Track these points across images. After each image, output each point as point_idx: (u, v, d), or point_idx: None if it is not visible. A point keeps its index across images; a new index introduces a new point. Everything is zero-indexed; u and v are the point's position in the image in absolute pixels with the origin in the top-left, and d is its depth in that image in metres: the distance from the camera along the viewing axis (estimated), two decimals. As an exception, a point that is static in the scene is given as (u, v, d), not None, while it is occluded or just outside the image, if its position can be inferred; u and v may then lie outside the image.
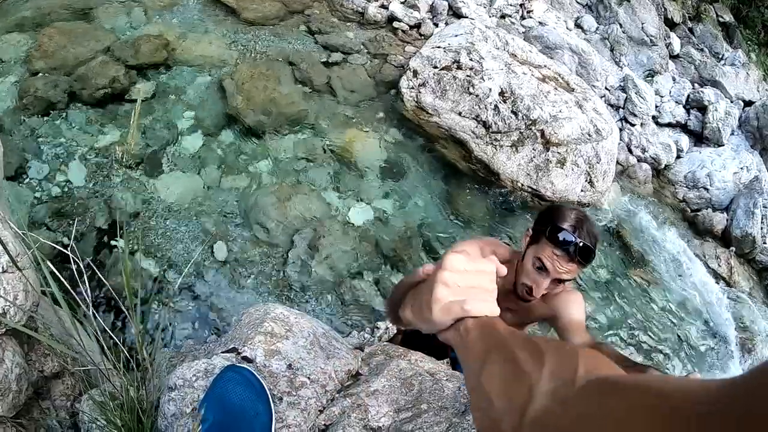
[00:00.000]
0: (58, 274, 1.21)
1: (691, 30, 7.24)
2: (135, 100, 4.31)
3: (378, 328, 3.47)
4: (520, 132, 4.50)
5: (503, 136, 4.47)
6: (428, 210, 4.32)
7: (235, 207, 3.91)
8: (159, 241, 3.59)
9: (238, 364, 1.34)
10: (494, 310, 0.69)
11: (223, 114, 4.45)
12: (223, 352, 1.46)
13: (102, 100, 4.26)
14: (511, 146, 4.48)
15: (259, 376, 1.27)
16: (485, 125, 4.47)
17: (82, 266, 1.29)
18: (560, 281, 1.69)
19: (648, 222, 5.03)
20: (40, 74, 4.24)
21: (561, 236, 1.62)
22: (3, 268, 1.38)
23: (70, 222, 3.51)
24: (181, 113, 4.38)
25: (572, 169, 4.56)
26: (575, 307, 1.81)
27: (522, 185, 4.47)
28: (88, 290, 1.29)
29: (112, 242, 3.48)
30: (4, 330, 1.41)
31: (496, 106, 4.49)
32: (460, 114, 4.50)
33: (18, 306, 1.41)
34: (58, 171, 3.79)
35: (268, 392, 1.27)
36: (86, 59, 4.48)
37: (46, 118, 4.05)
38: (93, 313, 1.23)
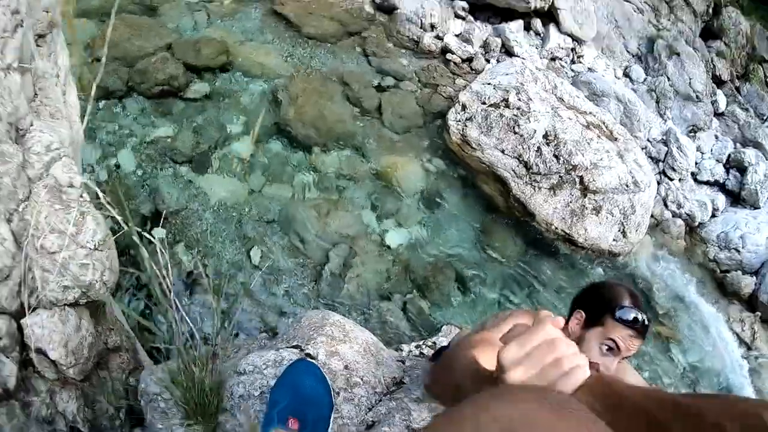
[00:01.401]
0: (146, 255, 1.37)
1: (737, 89, 7.24)
2: (190, 99, 4.50)
3: (401, 349, 3.56)
4: (560, 176, 4.57)
5: (543, 178, 4.55)
6: (462, 241, 4.41)
7: (275, 215, 4.04)
8: (199, 237, 3.73)
9: (307, 359, 1.54)
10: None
11: (273, 123, 4.60)
12: (288, 347, 1.67)
13: (158, 95, 4.44)
14: (549, 189, 4.56)
15: (324, 372, 1.44)
16: (526, 165, 4.56)
17: (161, 247, 1.43)
18: (623, 359, 1.67)
19: (676, 278, 5.05)
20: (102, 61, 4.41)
21: (630, 315, 1.59)
22: (95, 245, 1.53)
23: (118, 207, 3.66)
24: (233, 117, 4.55)
25: (607, 218, 4.61)
26: (635, 377, 1.82)
27: (556, 228, 4.53)
28: (170, 272, 1.41)
29: (153, 232, 3.62)
30: (86, 300, 1.57)
31: (539, 147, 4.57)
32: (503, 152, 4.59)
33: (104, 282, 1.57)
34: (109, 156, 3.96)
35: (331, 386, 1.44)
36: (147, 54, 4.67)
37: (101, 104, 4.22)
38: (174, 298, 1.38)
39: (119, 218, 1.41)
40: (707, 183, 6.01)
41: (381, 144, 4.73)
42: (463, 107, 4.75)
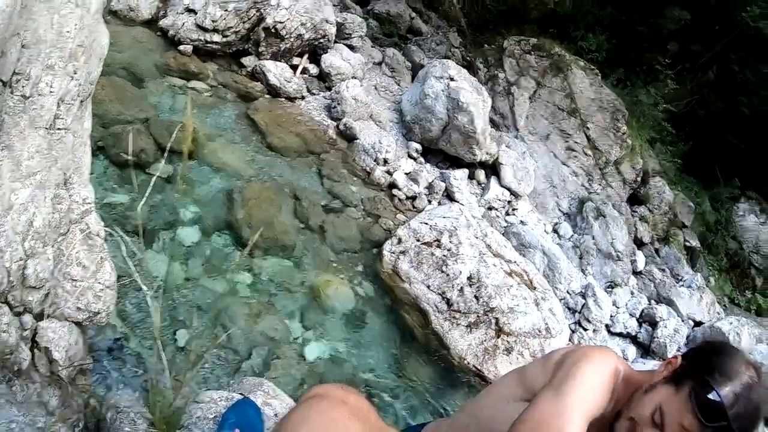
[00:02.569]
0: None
1: (657, 251, 7.97)
2: (153, 176, 4.68)
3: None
4: (478, 316, 4.98)
5: (462, 315, 4.96)
6: (378, 363, 4.68)
7: (207, 305, 4.22)
8: (130, 309, 3.86)
9: (250, 398, 2.15)
10: None
11: (223, 219, 4.85)
12: (239, 393, 2.29)
13: (125, 163, 4.58)
14: (466, 326, 4.95)
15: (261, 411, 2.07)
16: (448, 303, 4.97)
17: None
18: None
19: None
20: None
21: (709, 399, 1.19)
22: (108, 285, 2.25)
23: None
24: (187, 204, 4.76)
25: (517, 359, 4.99)
26: None
27: (468, 363, 4.87)
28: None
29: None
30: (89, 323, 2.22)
31: (462, 288, 5.01)
32: (428, 287, 5.01)
33: (108, 313, 2.25)
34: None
35: (264, 420, 2.01)
36: (125, 121, 4.93)
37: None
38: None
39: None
40: (620, 335, 6.51)
41: (318, 261, 5.06)
42: (399, 241, 5.21)
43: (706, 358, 1.28)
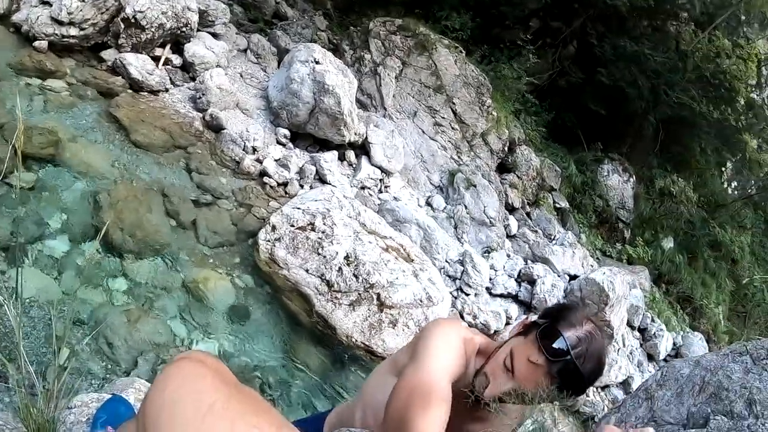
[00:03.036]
0: None
1: (528, 214, 8.44)
2: (14, 186, 4.39)
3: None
4: (359, 293, 5.06)
5: (343, 295, 5.02)
6: (269, 353, 4.66)
7: (86, 317, 4.03)
8: (5, 330, 3.63)
9: (121, 395, 2.13)
10: None
11: (91, 225, 4.63)
12: (109, 393, 2.22)
13: None
14: (349, 305, 5.02)
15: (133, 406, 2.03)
16: (328, 284, 5.01)
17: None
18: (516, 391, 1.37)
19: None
20: None
21: (554, 340, 1.33)
22: None
23: None
24: (53, 213, 4.52)
25: (403, 330, 5.12)
26: None
27: (356, 340, 4.95)
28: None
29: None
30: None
31: (340, 268, 5.06)
32: (307, 271, 5.03)
33: None
34: None
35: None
36: None
37: None
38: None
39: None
40: (501, 296, 6.83)
41: (194, 257, 4.95)
42: (273, 228, 5.17)
43: (552, 312, 1.44)
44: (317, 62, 6.65)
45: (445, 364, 1.44)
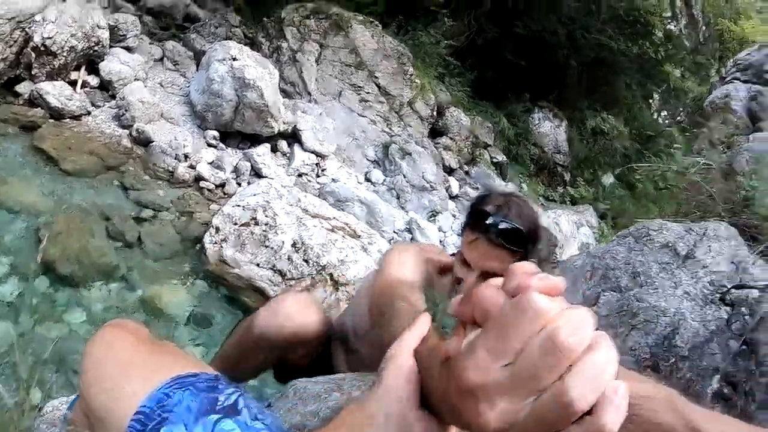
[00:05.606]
0: None
1: (467, 173, 8.68)
2: None
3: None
4: (312, 277, 5.20)
5: (297, 282, 5.15)
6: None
7: (49, 354, 4.05)
8: None
9: None
10: None
11: (38, 262, 4.63)
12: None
13: None
14: (305, 290, 5.16)
15: None
16: (281, 274, 5.13)
17: None
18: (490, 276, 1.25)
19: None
20: None
21: (477, 216, 1.44)
22: None
23: None
24: None
25: (361, 305, 5.30)
26: None
27: (317, 323, 5.11)
28: None
29: None
30: None
31: (289, 256, 5.19)
32: (258, 265, 5.13)
33: None
34: None
35: None
36: None
37: None
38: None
39: None
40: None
41: (145, 274, 4.99)
42: (217, 230, 5.25)
43: (472, 204, 1.58)
44: (234, 59, 6.68)
45: (407, 266, 1.55)
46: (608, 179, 12.53)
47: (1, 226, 4.81)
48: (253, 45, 8.04)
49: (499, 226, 1.37)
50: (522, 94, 11.71)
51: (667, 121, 15.88)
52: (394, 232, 6.67)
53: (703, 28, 17.04)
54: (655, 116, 16.12)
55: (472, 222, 1.47)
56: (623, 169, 11.97)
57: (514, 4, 11.29)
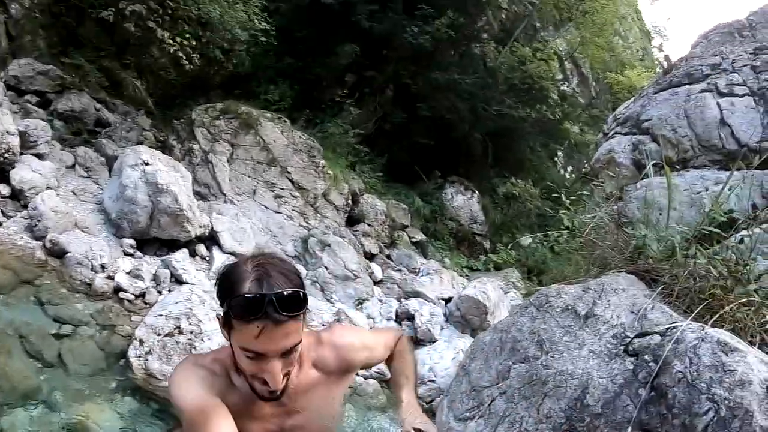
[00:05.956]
0: None
1: (388, 256, 8.94)
2: None
3: None
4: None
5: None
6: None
7: None
8: None
9: None
10: None
11: None
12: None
13: None
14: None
15: None
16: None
17: None
18: (291, 351, 1.29)
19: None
20: None
21: (247, 304, 1.20)
22: None
23: None
24: None
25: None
26: (351, 344, 1.60)
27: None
28: None
29: None
30: None
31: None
32: (184, 375, 5.05)
33: None
34: None
35: None
36: None
37: None
38: None
39: None
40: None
41: (69, 395, 4.77)
42: (141, 342, 5.16)
43: (221, 285, 1.30)
44: (147, 163, 6.74)
45: (194, 389, 1.33)
46: (527, 240, 13.06)
47: None
48: (165, 148, 8.14)
49: (278, 302, 1.19)
50: (432, 172, 12.30)
51: (573, 175, 16.87)
52: (322, 325, 6.72)
53: (594, 83, 18.71)
54: (562, 172, 17.18)
55: (243, 312, 1.20)
56: (540, 226, 12.57)
57: (416, 88, 11.99)
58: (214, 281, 1.36)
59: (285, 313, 1.20)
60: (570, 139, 15.47)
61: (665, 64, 4.57)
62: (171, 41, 8.51)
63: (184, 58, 8.68)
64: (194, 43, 8.74)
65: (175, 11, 8.56)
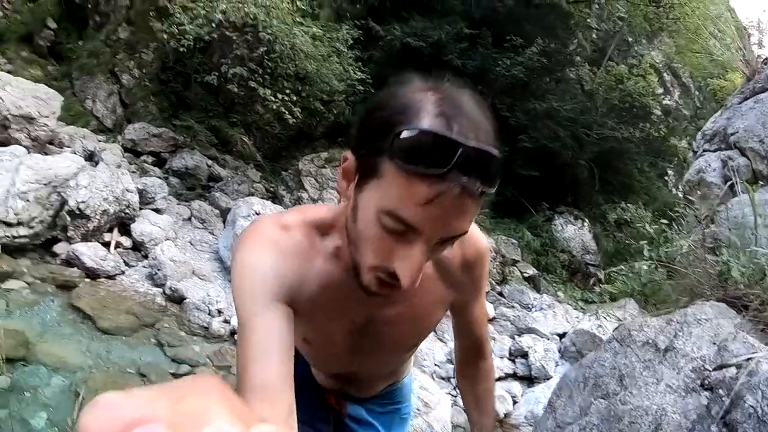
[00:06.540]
0: None
1: (500, 293, 8.58)
2: None
3: None
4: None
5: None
6: None
7: None
8: None
9: None
10: None
11: (74, 418, 4.47)
12: None
13: None
14: None
15: None
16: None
17: None
18: (451, 241, 0.82)
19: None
20: None
21: (435, 145, 0.71)
22: None
23: None
24: (35, 412, 4.39)
25: (411, 444, 5.05)
26: (482, 275, 1.11)
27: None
28: None
29: None
30: None
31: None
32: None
33: None
34: None
35: None
36: None
37: None
38: None
39: None
40: (499, 379, 6.80)
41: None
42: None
43: (373, 116, 0.80)
44: (258, 213, 6.92)
45: (259, 278, 0.90)
46: (642, 265, 12.26)
47: (39, 381, 4.79)
48: (275, 198, 8.39)
49: (477, 161, 0.72)
50: (540, 204, 11.85)
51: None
52: (435, 365, 6.51)
53: (696, 93, 17.51)
54: (674, 191, 16.12)
55: (421, 156, 0.71)
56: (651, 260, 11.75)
57: (515, 120, 11.75)
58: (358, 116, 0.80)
59: (482, 183, 0.73)
60: (679, 155, 14.44)
61: (746, 70, 4.10)
62: (273, 98, 8.85)
63: (287, 112, 8.98)
64: (295, 97, 9.03)
65: (274, 70, 8.92)
